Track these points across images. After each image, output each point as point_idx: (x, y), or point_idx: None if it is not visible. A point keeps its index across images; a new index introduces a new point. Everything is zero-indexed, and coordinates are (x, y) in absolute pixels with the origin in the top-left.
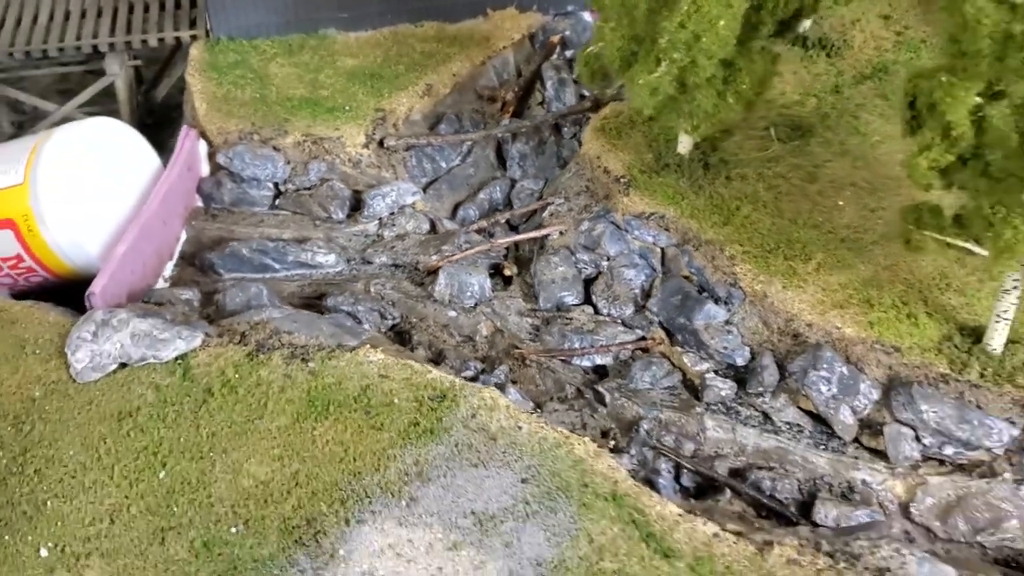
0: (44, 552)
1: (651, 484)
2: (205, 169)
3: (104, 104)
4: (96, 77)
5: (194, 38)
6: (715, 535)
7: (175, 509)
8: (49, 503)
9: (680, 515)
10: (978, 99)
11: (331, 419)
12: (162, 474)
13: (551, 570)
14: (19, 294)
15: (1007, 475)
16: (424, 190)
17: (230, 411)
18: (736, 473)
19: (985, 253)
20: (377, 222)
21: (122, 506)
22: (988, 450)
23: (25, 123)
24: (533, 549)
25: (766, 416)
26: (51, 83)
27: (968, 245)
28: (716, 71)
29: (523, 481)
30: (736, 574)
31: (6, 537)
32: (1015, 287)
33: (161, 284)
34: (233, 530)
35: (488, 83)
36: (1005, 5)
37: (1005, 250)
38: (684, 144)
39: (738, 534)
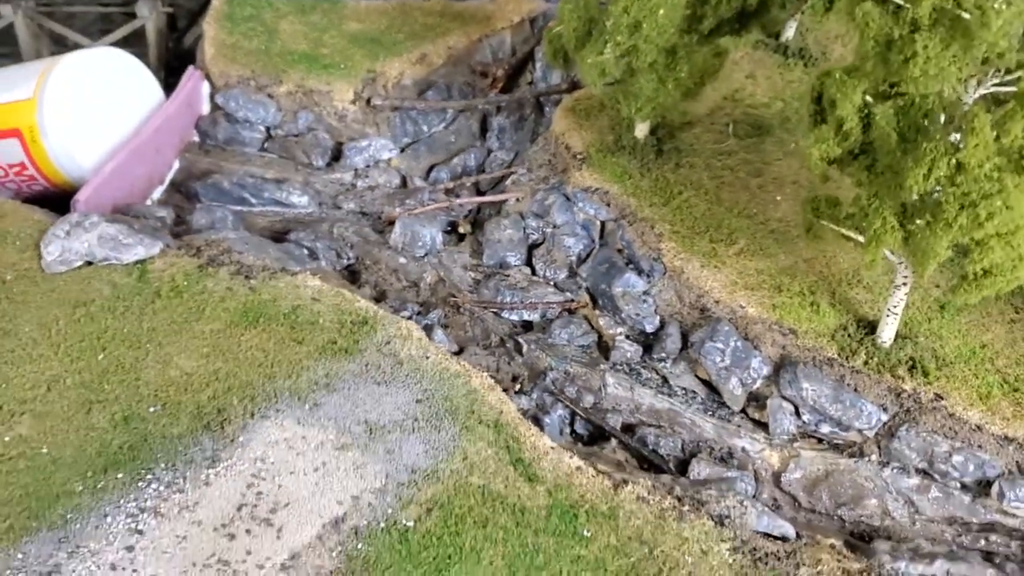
0: None
1: (538, 422)
2: (205, 108)
3: (136, 45)
4: (130, 19)
5: None
6: (578, 468)
7: (105, 386)
8: None
9: (552, 448)
10: (868, 98)
11: (259, 329)
12: (101, 356)
13: (423, 478)
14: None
15: (874, 457)
16: (403, 149)
17: (172, 312)
18: (628, 428)
19: None
20: (353, 172)
21: (60, 378)
22: (860, 432)
23: None
24: (411, 458)
25: (665, 380)
26: (94, 20)
27: (858, 236)
28: (658, 57)
29: (417, 401)
30: (587, 501)
31: None
32: (904, 283)
33: (150, 203)
34: (152, 409)
35: (483, 59)
36: (889, 11)
37: (874, 239)
38: (640, 129)
39: (602, 472)
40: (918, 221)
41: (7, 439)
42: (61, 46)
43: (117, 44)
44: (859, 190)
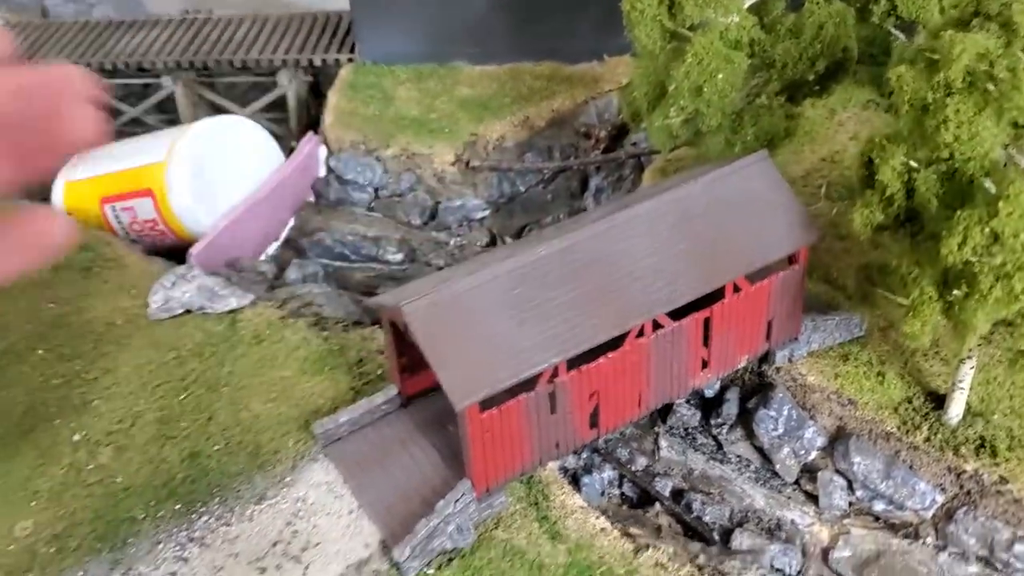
0: (76, 437)
1: (576, 481)
2: (322, 171)
3: (279, 111)
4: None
5: (350, 61)
6: (602, 530)
7: (181, 424)
8: (94, 402)
9: (581, 507)
10: (912, 163)
11: (323, 377)
12: (182, 397)
13: None
14: (153, 252)
15: (929, 540)
16: (498, 209)
17: (251, 358)
18: (678, 493)
19: None
20: (447, 231)
21: (143, 414)
22: (916, 512)
23: None
24: None
25: (719, 446)
26: (246, 90)
27: (906, 303)
28: (723, 120)
29: None
30: (605, 563)
31: (56, 421)
32: (969, 356)
33: (263, 258)
34: (216, 448)
35: (588, 120)
36: (923, 76)
37: (912, 309)
38: None
39: (626, 534)
40: (955, 292)
41: (90, 467)
42: (216, 112)
43: (262, 111)
44: (903, 258)
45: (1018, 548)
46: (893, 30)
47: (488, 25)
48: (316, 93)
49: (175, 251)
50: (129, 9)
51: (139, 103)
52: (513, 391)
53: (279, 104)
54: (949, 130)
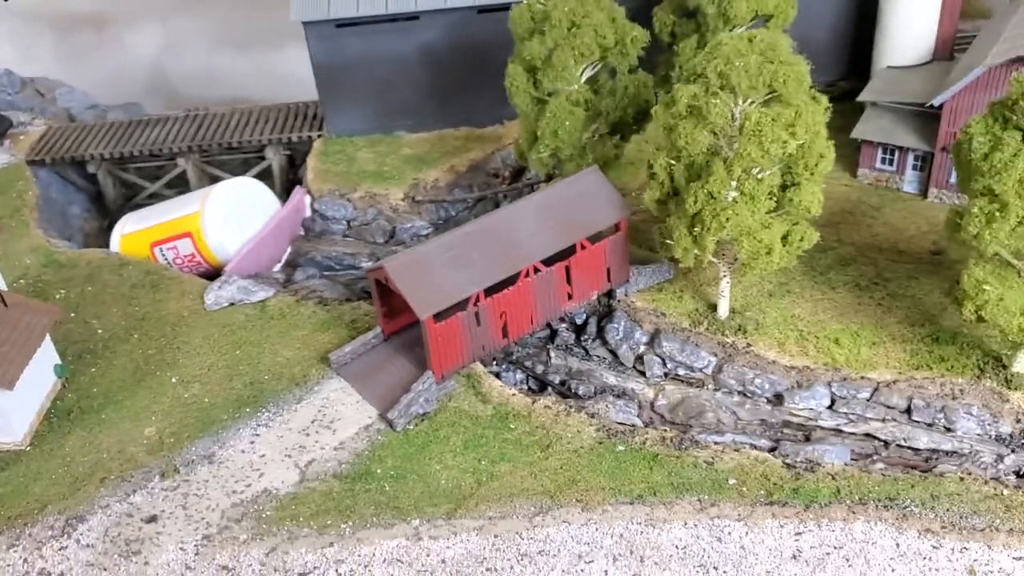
0: (174, 379)
1: (499, 376)
2: (308, 213)
3: (266, 178)
4: (262, 161)
5: (320, 136)
6: (513, 395)
7: (240, 367)
8: (180, 360)
9: (500, 386)
10: (671, 161)
11: (330, 333)
12: (237, 352)
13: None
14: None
15: (710, 386)
16: (436, 227)
17: (279, 327)
18: (563, 382)
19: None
20: (402, 245)
21: (214, 364)
22: (701, 371)
23: None
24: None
25: (587, 351)
26: (238, 164)
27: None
28: (574, 152)
29: None
30: (515, 409)
31: (158, 373)
32: (724, 276)
33: (274, 271)
34: (266, 377)
35: (495, 165)
36: (668, 110)
37: (676, 242)
38: None
39: (526, 395)
40: (696, 229)
41: (186, 395)
42: (215, 181)
43: (254, 177)
44: (671, 216)
45: (757, 381)
46: None
47: (419, 105)
48: (291, 163)
49: (204, 275)
50: (133, 112)
51: (153, 181)
52: (454, 310)
53: (266, 172)
54: (682, 139)
